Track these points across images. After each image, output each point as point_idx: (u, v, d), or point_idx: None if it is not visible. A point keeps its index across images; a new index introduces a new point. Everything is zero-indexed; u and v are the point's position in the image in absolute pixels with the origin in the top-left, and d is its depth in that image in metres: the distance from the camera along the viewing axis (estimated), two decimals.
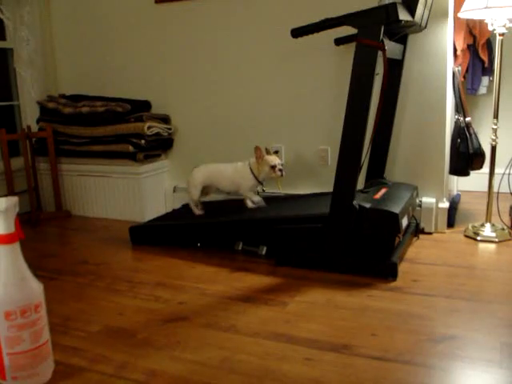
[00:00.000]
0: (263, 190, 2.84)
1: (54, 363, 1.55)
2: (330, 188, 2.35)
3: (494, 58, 2.89)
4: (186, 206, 3.07)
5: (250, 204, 2.78)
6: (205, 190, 2.90)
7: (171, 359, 1.61)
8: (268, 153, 2.73)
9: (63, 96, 3.67)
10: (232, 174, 2.79)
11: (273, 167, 2.68)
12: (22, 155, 3.45)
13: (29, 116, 3.67)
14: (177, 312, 1.96)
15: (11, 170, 3.29)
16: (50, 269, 2.50)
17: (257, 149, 2.69)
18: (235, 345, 1.69)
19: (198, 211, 2.86)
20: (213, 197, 3.00)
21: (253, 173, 2.73)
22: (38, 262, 2.58)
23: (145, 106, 3.45)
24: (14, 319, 1.38)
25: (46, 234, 3.17)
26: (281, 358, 1.60)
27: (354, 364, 1.55)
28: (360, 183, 2.51)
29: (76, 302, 2.09)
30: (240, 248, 2.64)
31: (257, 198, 2.79)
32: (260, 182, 2.77)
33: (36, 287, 1.45)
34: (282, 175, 2.71)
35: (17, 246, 1.43)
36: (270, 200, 2.91)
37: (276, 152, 3.03)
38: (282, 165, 2.72)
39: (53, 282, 2.32)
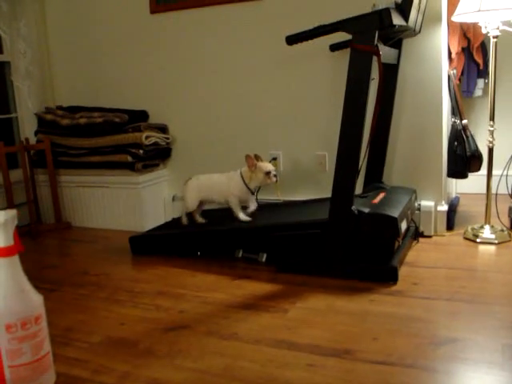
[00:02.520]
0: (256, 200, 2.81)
1: (56, 375, 1.55)
2: (328, 194, 2.35)
3: (488, 61, 2.91)
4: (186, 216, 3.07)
5: (242, 216, 2.72)
6: (199, 201, 2.86)
7: (173, 368, 1.61)
8: (258, 159, 2.72)
9: (61, 108, 3.68)
10: (224, 184, 2.76)
11: (267, 173, 2.66)
12: (20, 167, 3.46)
13: (27, 128, 3.67)
14: (178, 321, 1.96)
15: (10, 182, 3.30)
16: (50, 280, 2.49)
17: (248, 157, 2.67)
18: (237, 352, 1.69)
19: (201, 219, 2.85)
20: (212, 205, 2.99)
21: (244, 181, 2.70)
22: (38, 274, 2.58)
23: (142, 115, 3.46)
24: (14, 332, 1.38)
25: (46, 246, 3.17)
26: (283, 364, 1.60)
27: (356, 369, 1.55)
28: (358, 188, 2.51)
29: (77, 313, 2.09)
30: (240, 255, 2.64)
31: (243, 216, 2.72)
32: (252, 192, 2.74)
33: (36, 299, 1.45)
34: (276, 181, 2.70)
35: (16, 259, 1.43)
36: (269, 207, 2.92)
37: (274, 159, 3.04)
38: (275, 171, 2.71)
39: (53, 294, 2.32)
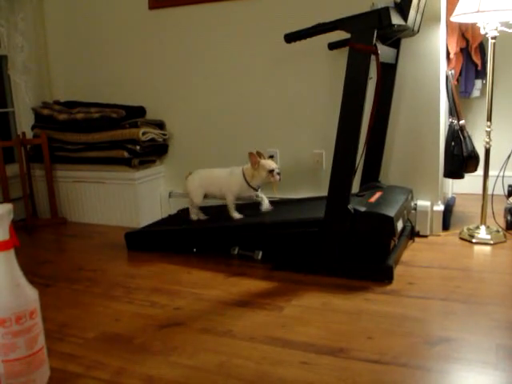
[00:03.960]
0: (256, 196, 2.80)
1: (50, 370, 1.54)
2: (325, 192, 2.35)
3: (486, 61, 2.91)
4: (181, 212, 3.07)
5: (235, 215, 2.72)
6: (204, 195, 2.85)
7: (168, 365, 1.61)
8: (261, 157, 2.71)
9: (58, 102, 3.67)
10: (225, 179, 2.76)
11: (271, 172, 2.65)
12: (17, 162, 3.45)
13: (23, 123, 3.66)
14: (173, 317, 1.96)
15: (6, 176, 3.29)
16: (45, 275, 2.49)
17: (251, 155, 2.65)
18: (232, 349, 1.69)
19: (202, 216, 2.85)
20: (209, 202, 2.99)
21: (245, 179, 2.70)
22: (33, 269, 2.58)
23: (140, 111, 3.45)
24: (8, 326, 1.38)
25: (42, 241, 3.16)
26: (277, 362, 1.60)
27: (350, 367, 1.55)
28: (355, 187, 2.51)
29: (72, 309, 2.09)
30: (236, 253, 2.64)
31: (236, 214, 2.73)
32: (254, 189, 2.73)
33: (31, 294, 1.44)
34: (279, 179, 2.69)
35: (11, 253, 1.42)
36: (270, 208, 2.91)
37: (271, 157, 3.03)
38: (278, 169, 2.70)
39: (49, 289, 2.31)
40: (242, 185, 2.71)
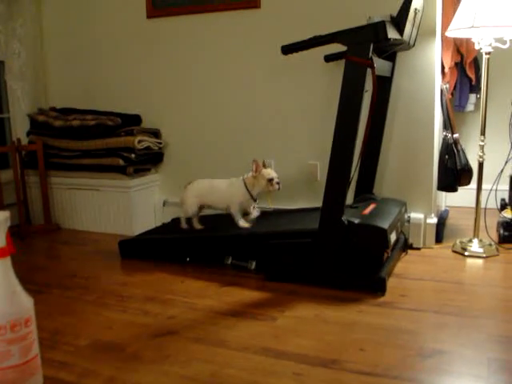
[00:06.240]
0: (254, 206, 2.80)
1: (43, 378, 1.54)
2: (319, 203, 2.36)
3: (480, 76, 2.94)
4: (175, 220, 3.07)
5: (242, 223, 2.70)
6: (199, 206, 2.84)
7: (160, 374, 1.61)
8: (265, 166, 2.69)
9: (54, 109, 3.67)
10: (225, 190, 2.74)
11: (270, 180, 2.64)
12: (11, 168, 3.44)
13: (19, 129, 3.66)
14: (166, 326, 1.96)
15: (0, 182, 3.28)
16: (38, 282, 2.48)
17: (254, 162, 2.64)
18: (224, 359, 1.69)
19: (198, 226, 2.83)
20: (205, 211, 2.99)
21: (247, 188, 2.68)
22: (26, 276, 2.55)
23: (135, 120, 3.46)
24: (3, 334, 1.38)
25: (35, 247, 3.16)
26: (270, 372, 1.60)
27: (342, 379, 1.55)
28: (349, 199, 2.52)
29: (64, 316, 2.08)
30: (229, 263, 2.64)
31: (243, 222, 2.70)
32: (254, 199, 2.72)
33: (26, 301, 1.44)
34: (279, 189, 2.67)
35: (8, 261, 1.42)
36: (259, 215, 2.92)
37: None
38: (278, 178, 2.68)
39: (41, 296, 2.30)
40: (244, 194, 2.69)
